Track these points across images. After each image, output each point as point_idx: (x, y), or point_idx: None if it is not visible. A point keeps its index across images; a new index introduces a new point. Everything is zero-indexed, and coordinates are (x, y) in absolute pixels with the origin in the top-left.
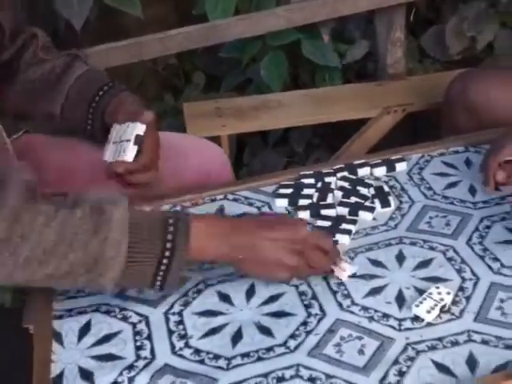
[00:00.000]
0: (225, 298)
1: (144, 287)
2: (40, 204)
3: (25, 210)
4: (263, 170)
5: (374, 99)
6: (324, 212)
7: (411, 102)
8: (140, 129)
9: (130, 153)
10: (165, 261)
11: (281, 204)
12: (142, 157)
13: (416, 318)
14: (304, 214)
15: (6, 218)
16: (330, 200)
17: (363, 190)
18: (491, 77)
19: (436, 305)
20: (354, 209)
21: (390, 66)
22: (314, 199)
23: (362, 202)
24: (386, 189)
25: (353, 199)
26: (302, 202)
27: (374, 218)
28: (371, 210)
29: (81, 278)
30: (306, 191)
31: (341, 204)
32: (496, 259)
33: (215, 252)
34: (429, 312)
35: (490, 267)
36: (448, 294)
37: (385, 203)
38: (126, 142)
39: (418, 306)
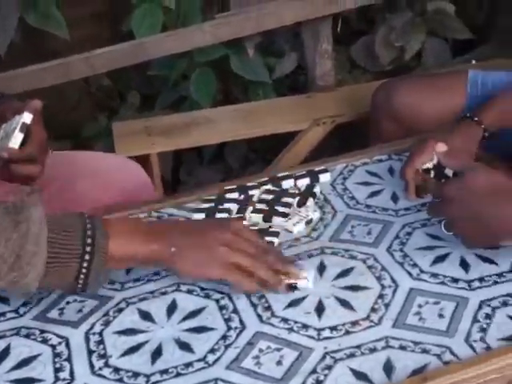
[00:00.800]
0: (145, 315)
1: (67, 287)
2: None
3: None
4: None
5: (305, 112)
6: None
7: (341, 113)
8: (26, 117)
9: (14, 139)
10: (87, 256)
11: (198, 218)
12: (27, 146)
13: (335, 327)
14: None
15: None
16: (248, 213)
17: (287, 200)
18: (413, 84)
19: (301, 219)
20: (268, 215)
21: (319, 78)
22: (233, 213)
23: (279, 209)
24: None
25: (273, 208)
26: (219, 215)
27: (296, 231)
28: (285, 215)
29: (5, 278)
30: (225, 205)
31: (254, 211)
32: (415, 265)
33: (142, 249)
34: (294, 225)
35: (409, 273)
36: (315, 211)
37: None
38: (11, 132)
39: (286, 221)
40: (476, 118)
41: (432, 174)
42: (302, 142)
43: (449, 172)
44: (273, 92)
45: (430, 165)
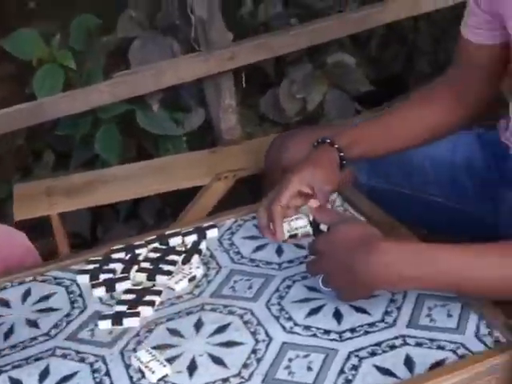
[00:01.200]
0: (16, 383)
1: None
2: None
3: None
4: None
5: (211, 166)
6: (125, 285)
7: (246, 166)
8: None
9: None
10: None
11: (82, 280)
12: None
13: None
14: (100, 290)
15: None
16: (133, 272)
17: (173, 257)
18: (302, 137)
19: (184, 277)
20: (152, 274)
21: (225, 132)
22: (118, 273)
23: (163, 267)
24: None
25: (158, 266)
26: (104, 276)
27: (179, 288)
28: (168, 273)
29: None
30: (110, 265)
31: (139, 270)
32: (290, 318)
33: None
34: (177, 283)
35: (283, 327)
36: (198, 267)
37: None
38: None
39: (169, 279)
40: (328, 140)
41: (310, 231)
42: (204, 196)
43: (324, 227)
44: (184, 146)
45: (305, 221)
